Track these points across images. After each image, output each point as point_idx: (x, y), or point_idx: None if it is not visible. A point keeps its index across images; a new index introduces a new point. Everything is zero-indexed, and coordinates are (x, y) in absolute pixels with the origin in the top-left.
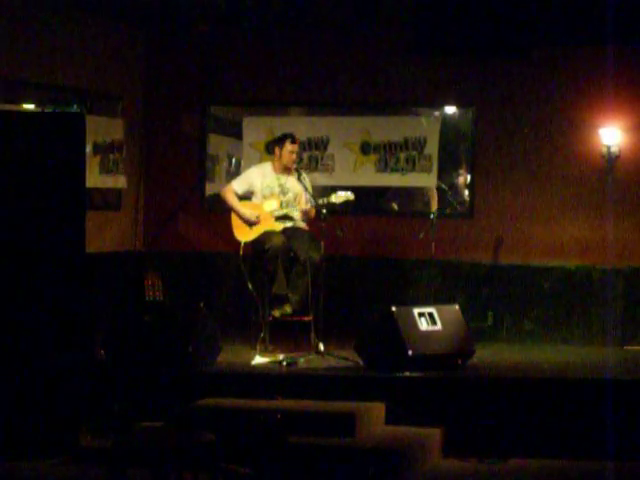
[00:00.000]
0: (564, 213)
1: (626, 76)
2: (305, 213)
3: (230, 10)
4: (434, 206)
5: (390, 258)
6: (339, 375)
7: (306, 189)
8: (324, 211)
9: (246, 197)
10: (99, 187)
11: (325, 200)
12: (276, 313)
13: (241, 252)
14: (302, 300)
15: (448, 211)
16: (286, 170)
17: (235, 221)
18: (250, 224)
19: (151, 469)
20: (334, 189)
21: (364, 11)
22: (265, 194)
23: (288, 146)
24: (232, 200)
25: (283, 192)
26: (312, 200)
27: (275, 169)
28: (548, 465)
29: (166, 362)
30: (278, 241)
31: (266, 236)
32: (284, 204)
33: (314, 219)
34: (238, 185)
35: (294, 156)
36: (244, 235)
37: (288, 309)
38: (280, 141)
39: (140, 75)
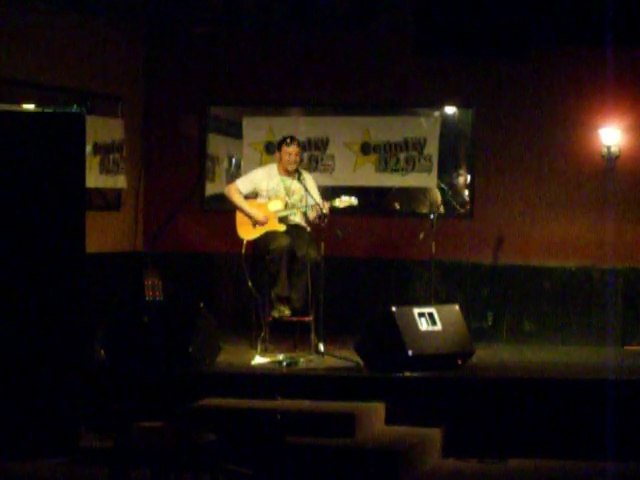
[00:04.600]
0: (564, 213)
1: (626, 76)
2: (307, 215)
3: (230, 10)
4: (440, 208)
5: (390, 258)
6: (339, 375)
7: (307, 190)
8: (325, 212)
9: (249, 196)
10: (99, 187)
11: (328, 204)
12: (275, 314)
13: (243, 250)
14: (302, 298)
15: (443, 211)
16: (290, 172)
17: (240, 218)
18: (257, 224)
19: (151, 469)
20: (334, 189)
21: (364, 11)
22: (271, 196)
23: (285, 148)
24: (238, 199)
25: (289, 194)
26: (317, 207)
27: (280, 171)
28: (548, 465)
29: (166, 362)
30: (283, 242)
31: (270, 236)
32: (289, 205)
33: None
34: (243, 185)
35: (293, 157)
36: (247, 233)
37: (286, 312)
38: (279, 145)
39: (140, 75)
